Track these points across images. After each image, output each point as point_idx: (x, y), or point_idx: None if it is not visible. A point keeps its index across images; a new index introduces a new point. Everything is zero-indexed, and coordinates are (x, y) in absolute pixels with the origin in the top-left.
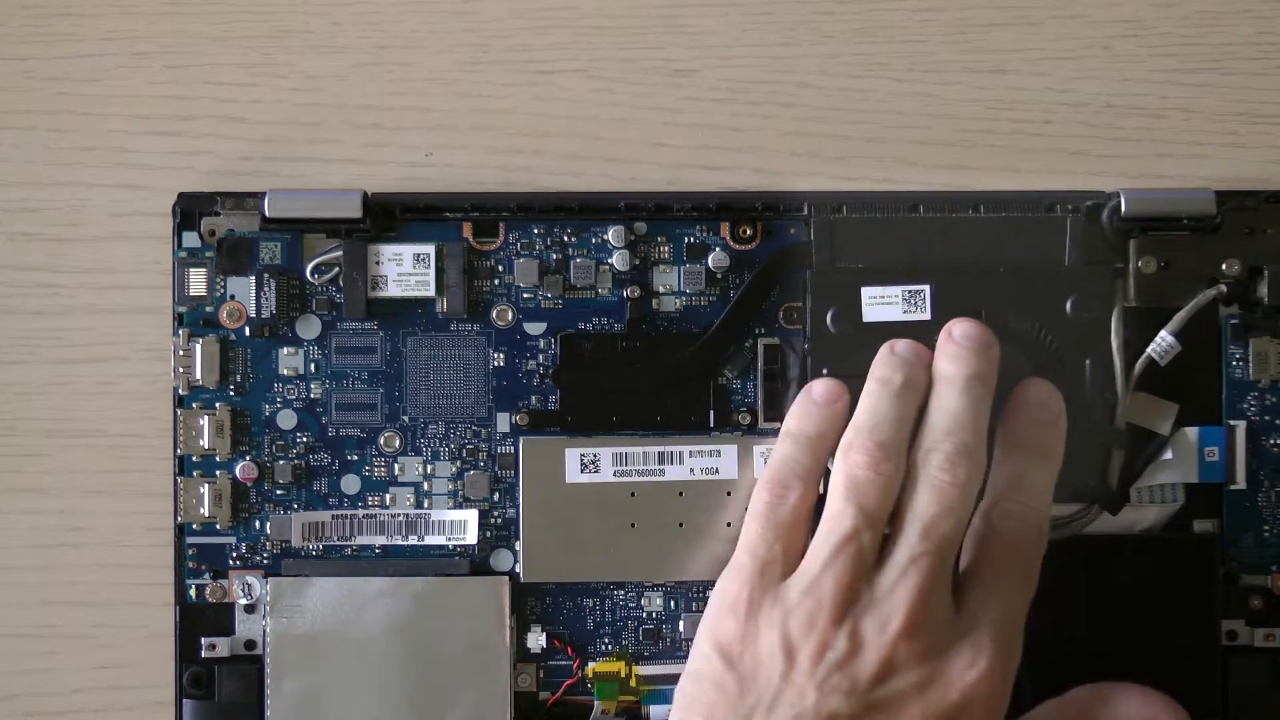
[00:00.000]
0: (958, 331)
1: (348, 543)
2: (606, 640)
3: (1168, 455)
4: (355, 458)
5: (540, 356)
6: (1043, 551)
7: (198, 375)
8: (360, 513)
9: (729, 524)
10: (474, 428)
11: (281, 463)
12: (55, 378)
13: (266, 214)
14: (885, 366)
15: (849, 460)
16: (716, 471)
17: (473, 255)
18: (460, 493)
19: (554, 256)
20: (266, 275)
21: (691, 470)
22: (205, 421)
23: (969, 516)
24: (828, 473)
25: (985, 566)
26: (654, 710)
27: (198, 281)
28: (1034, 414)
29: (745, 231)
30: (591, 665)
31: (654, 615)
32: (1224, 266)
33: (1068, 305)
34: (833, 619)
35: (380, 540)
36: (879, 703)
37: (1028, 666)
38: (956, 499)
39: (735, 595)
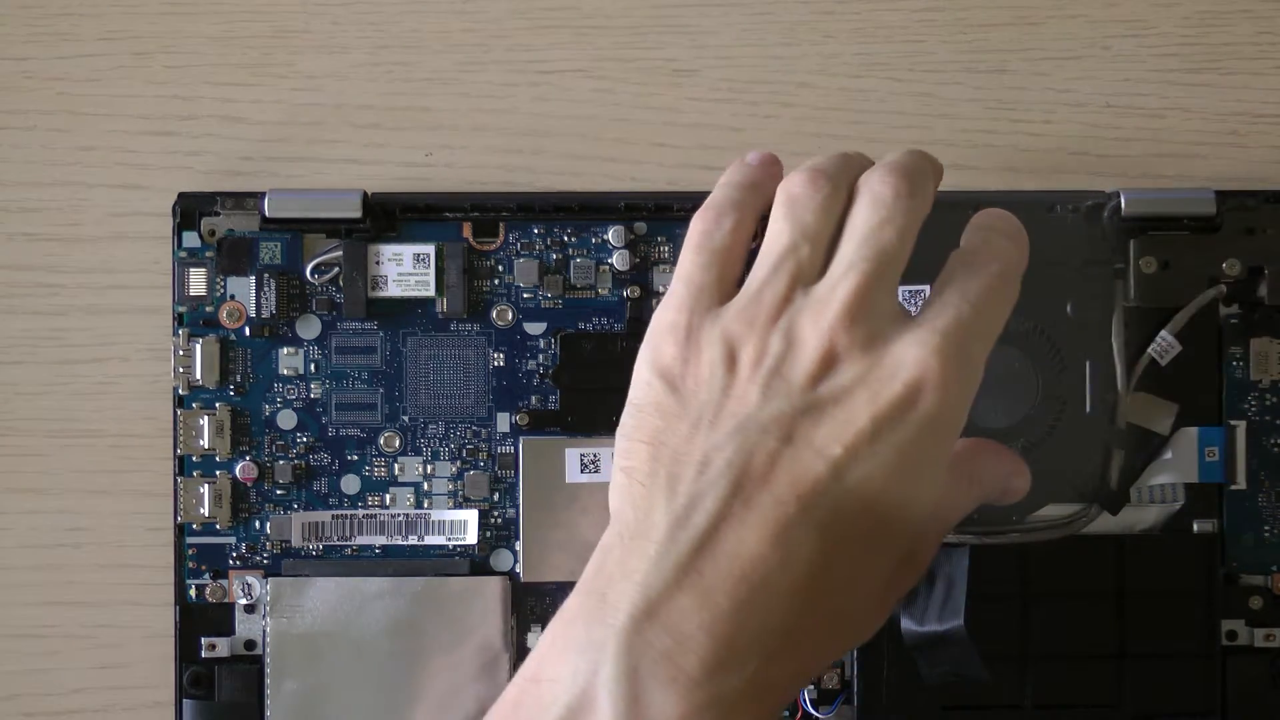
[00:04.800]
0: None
1: (348, 543)
2: None
3: (1168, 455)
4: (355, 458)
5: (540, 356)
6: (1011, 283)
7: (198, 375)
8: (360, 513)
9: None
10: (474, 428)
11: (281, 463)
12: (55, 378)
13: (266, 214)
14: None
15: (788, 183)
16: None
17: (473, 255)
18: (460, 493)
19: (554, 256)
20: (266, 275)
21: None
22: (205, 421)
23: (912, 234)
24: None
25: (942, 280)
26: None
27: (198, 281)
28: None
29: None
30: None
31: None
32: (1224, 266)
33: (1068, 305)
34: (770, 322)
35: (380, 540)
36: (823, 398)
37: (1027, 666)
38: (897, 209)
39: (673, 321)
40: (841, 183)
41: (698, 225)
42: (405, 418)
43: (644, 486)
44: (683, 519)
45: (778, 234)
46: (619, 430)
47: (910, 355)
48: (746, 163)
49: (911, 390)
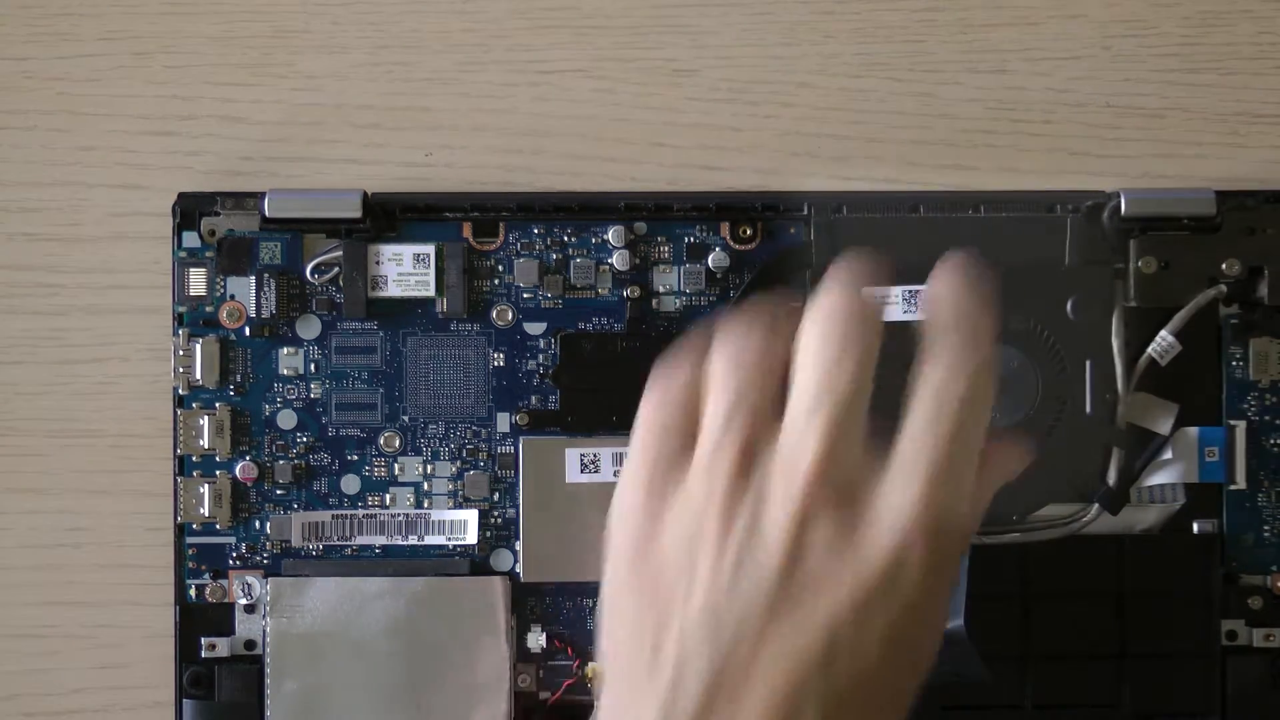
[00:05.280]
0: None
1: (348, 543)
2: None
3: (1168, 455)
4: (355, 458)
5: (540, 356)
6: (982, 388)
7: (198, 375)
8: (360, 513)
9: None
10: (474, 428)
11: (281, 463)
12: (55, 378)
13: (266, 214)
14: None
15: (727, 325)
16: None
17: (473, 255)
18: (460, 493)
19: (554, 256)
20: (266, 275)
21: None
22: (205, 421)
23: (871, 358)
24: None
25: (910, 414)
26: None
27: (198, 281)
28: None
29: (745, 231)
30: (592, 665)
31: None
32: (1224, 266)
33: (1068, 305)
34: (730, 499)
35: (380, 540)
36: (800, 580)
37: (1027, 666)
38: (853, 333)
39: (631, 499)
40: (782, 328)
41: (650, 392)
42: (405, 418)
43: (625, 680)
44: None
45: (722, 386)
46: (600, 605)
47: (888, 522)
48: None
49: (894, 564)
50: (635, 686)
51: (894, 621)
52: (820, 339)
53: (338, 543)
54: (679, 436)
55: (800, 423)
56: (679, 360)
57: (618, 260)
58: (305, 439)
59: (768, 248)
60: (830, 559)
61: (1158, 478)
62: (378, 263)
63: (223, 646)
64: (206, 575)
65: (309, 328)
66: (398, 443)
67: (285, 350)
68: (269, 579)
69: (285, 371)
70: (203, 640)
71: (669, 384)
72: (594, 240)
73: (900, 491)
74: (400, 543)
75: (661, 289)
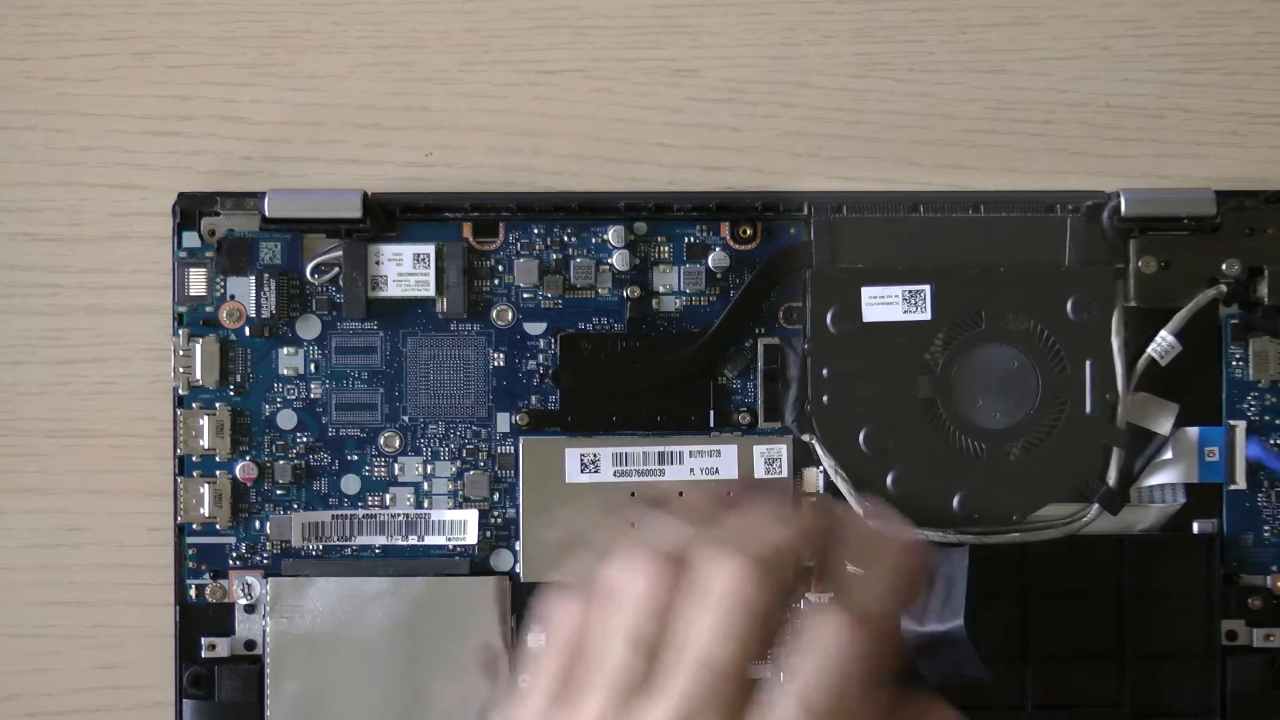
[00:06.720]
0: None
1: (348, 543)
2: None
3: (1168, 455)
4: (355, 458)
5: (540, 356)
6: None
7: (198, 375)
8: (360, 513)
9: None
10: (474, 428)
11: (281, 463)
12: (55, 378)
13: (266, 214)
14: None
15: (616, 569)
16: (716, 471)
17: (473, 255)
18: (460, 493)
19: (554, 256)
20: (266, 275)
21: (691, 470)
22: (205, 421)
23: (761, 628)
24: None
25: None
26: None
27: (198, 281)
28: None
29: (745, 231)
30: None
31: None
32: (1224, 266)
33: (1068, 305)
34: None
35: (380, 540)
36: None
37: (1027, 666)
38: (733, 609)
39: None
40: (685, 559)
41: (553, 614)
42: (405, 418)
43: None
44: None
45: (612, 637)
46: None
47: None
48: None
49: None
50: None
51: None
52: (706, 595)
53: (338, 543)
54: (578, 666)
55: (660, 692)
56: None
57: (618, 260)
58: (305, 439)
59: (768, 247)
60: None
61: (1158, 478)
62: (378, 263)
63: (223, 646)
64: (206, 575)
65: (309, 328)
66: (398, 443)
67: (285, 350)
68: (269, 579)
69: (285, 371)
70: (203, 640)
71: (565, 606)
72: (594, 240)
73: None
74: (400, 543)
75: (661, 289)
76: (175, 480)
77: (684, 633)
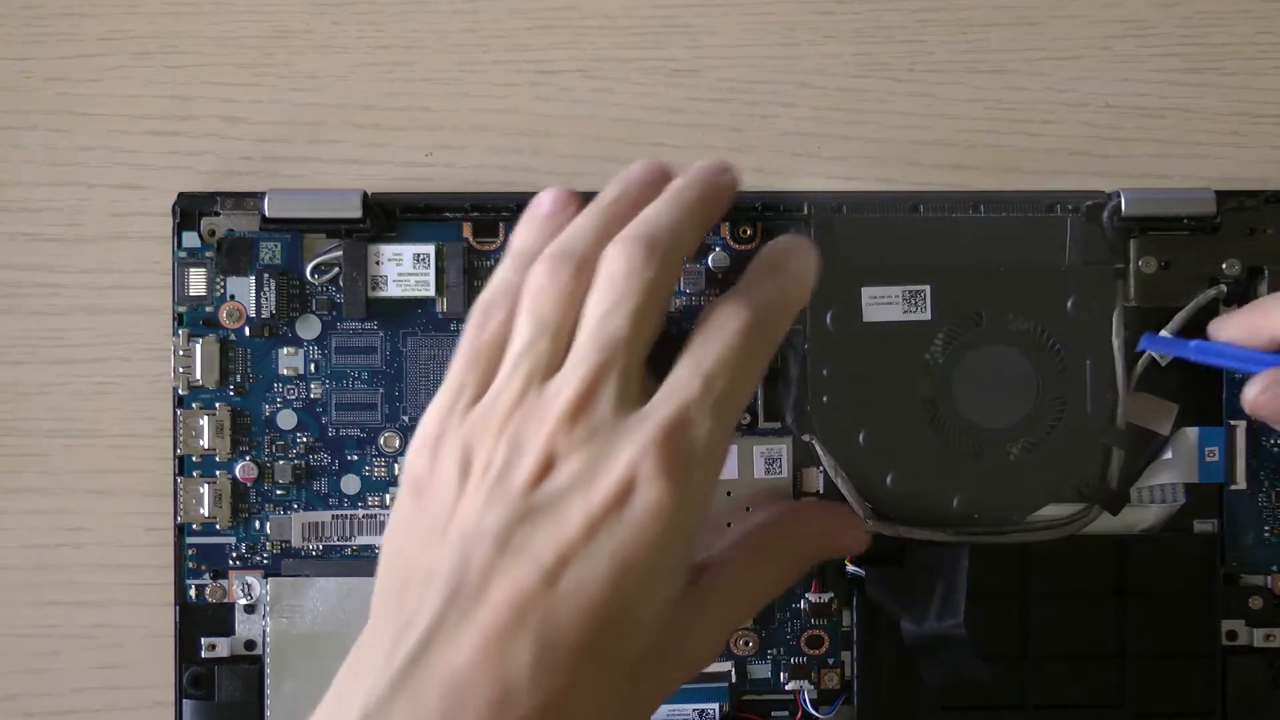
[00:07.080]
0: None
1: (348, 543)
2: None
3: (1168, 455)
4: (355, 458)
5: None
6: (763, 329)
7: (198, 375)
8: (360, 513)
9: (729, 524)
10: None
11: (281, 463)
12: (55, 378)
13: (266, 214)
14: (612, 183)
15: (530, 273)
16: None
17: (473, 255)
18: None
19: None
20: (266, 275)
21: None
22: (205, 421)
23: (652, 310)
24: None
25: (683, 352)
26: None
27: (198, 281)
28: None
29: (745, 231)
30: None
31: None
32: (1224, 266)
33: (1068, 305)
34: (500, 427)
35: (380, 540)
36: (538, 504)
37: (1027, 666)
38: (630, 287)
39: (425, 429)
40: (590, 257)
41: (469, 321)
42: (405, 418)
43: (382, 597)
44: (403, 631)
45: (519, 330)
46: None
47: (624, 454)
48: (538, 210)
49: (623, 489)
50: (386, 602)
51: (621, 553)
52: (608, 277)
53: (338, 543)
54: (490, 360)
55: (570, 364)
56: (516, 270)
57: None
58: (305, 439)
59: None
60: (568, 493)
61: (1158, 478)
62: (378, 263)
63: (223, 646)
64: (206, 575)
65: (309, 328)
66: (398, 443)
67: (285, 350)
68: (269, 579)
69: (285, 371)
70: (203, 640)
71: (497, 302)
72: None
73: (641, 426)
74: None
75: None
76: (175, 480)
77: (587, 314)
